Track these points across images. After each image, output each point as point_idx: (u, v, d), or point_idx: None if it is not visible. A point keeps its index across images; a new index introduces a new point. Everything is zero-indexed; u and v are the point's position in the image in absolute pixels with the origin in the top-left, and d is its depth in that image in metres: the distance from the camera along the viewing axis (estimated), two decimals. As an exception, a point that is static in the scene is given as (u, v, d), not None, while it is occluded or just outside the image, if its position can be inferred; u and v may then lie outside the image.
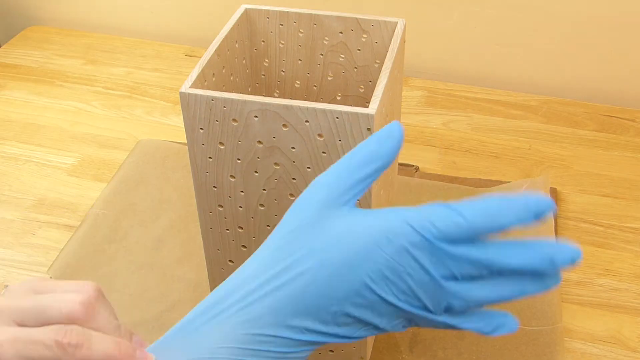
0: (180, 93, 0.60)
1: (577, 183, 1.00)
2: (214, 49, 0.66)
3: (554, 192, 0.96)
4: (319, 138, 0.59)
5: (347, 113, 0.57)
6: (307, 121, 0.58)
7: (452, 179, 1.00)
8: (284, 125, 0.59)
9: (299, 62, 0.75)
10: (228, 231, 0.68)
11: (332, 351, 0.74)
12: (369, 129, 0.57)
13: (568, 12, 1.13)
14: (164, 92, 1.19)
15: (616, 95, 1.17)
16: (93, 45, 1.32)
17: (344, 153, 0.59)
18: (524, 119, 1.12)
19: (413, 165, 1.02)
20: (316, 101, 0.58)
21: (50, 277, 0.86)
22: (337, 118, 0.57)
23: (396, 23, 0.69)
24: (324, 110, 0.57)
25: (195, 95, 0.59)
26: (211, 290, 0.72)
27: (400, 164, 1.01)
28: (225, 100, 0.59)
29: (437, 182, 0.98)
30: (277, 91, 0.78)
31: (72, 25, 1.40)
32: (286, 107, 0.58)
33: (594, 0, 1.10)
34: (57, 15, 1.41)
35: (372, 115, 0.56)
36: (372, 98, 0.58)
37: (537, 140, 1.08)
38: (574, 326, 0.80)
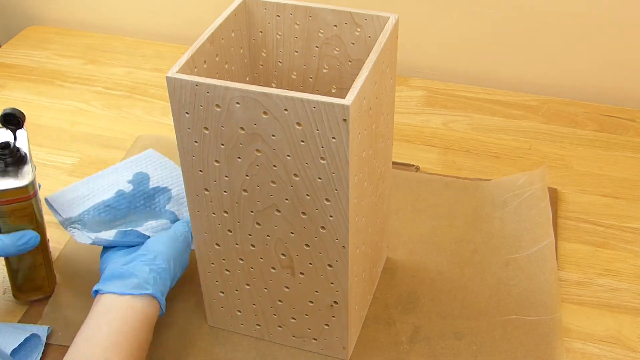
0: (167, 77, 0.62)
1: (577, 183, 1.00)
2: (206, 37, 0.67)
3: (554, 192, 0.97)
4: (297, 127, 0.60)
5: (323, 103, 0.57)
6: (285, 110, 0.59)
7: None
8: (264, 113, 0.60)
9: (295, 53, 0.76)
10: (214, 215, 0.69)
11: (316, 339, 0.76)
12: (344, 120, 0.58)
13: (568, 12, 1.13)
14: (164, 92, 1.19)
15: (616, 95, 1.17)
16: (93, 45, 1.32)
17: (321, 142, 0.59)
18: (524, 119, 1.12)
19: (413, 165, 1.02)
20: (312, 93, 0.59)
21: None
22: (314, 108, 0.58)
23: (388, 18, 0.70)
24: (301, 100, 0.58)
25: (181, 80, 0.61)
26: (200, 277, 0.75)
27: (400, 164, 1.01)
28: (208, 85, 0.60)
29: (436, 175, 0.99)
30: (275, 82, 0.79)
31: (72, 25, 1.40)
32: (265, 94, 0.59)
33: (594, 0, 1.11)
34: (57, 15, 1.41)
35: (347, 106, 0.57)
36: (350, 89, 0.59)
37: (537, 140, 1.08)
38: (574, 326, 0.80)
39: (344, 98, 0.58)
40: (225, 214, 0.69)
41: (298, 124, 0.59)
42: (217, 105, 0.61)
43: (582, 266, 0.88)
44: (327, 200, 0.63)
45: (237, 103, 0.60)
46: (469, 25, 1.18)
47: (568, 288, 0.85)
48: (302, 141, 0.60)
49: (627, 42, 1.13)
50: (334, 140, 0.59)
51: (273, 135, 0.61)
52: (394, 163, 1.01)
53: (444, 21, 1.19)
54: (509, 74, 1.21)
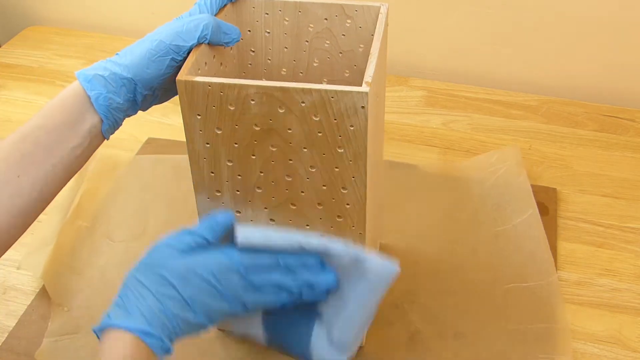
0: (177, 80, 0.61)
1: (577, 183, 1.00)
2: None
3: (553, 192, 0.97)
4: (314, 118, 0.59)
5: (342, 92, 0.57)
6: (302, 102, 0.59)
7: (452, 179, 1.00)
8: (280, 107, 0.59)
9: (285, 49, 0.76)
10: None
11: None
12: (363, 107, 0.58)
13: (567, 12, 1.13)
14: (164, 92, 1.19)
15: (616, 95, 1.17)
16: (93, 45, 1.32)
17: (339, 132, 0.59)
18: (524, 119, 1.12)
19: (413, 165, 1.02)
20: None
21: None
22: (332, 97, 0.58)
23: (379, 7, 0.70)
24: (319, 91, 0.58)
25: (193, 82, 0.60)
26: None
27: (400, 164, 1.01)
28: (222, 85, 0.59)
29: (436, 175, 0.99)
30: (265, 79, 0.78)
31: (72, 25, 1.40)
32: (282, 89, 0.58)
33: (594, 0, 1.11)
34: (57, 15, 1.41)
35: (365, 93, 0.57)
36: (365, 77, 0.59)
37: (537, 140, 1.08)
38: (574, 326, 0.80)
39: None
40: (238, 214, 0.68)
41: (315, 115, 0.59)
42: (231, 105, 0.60)
43: (582, 266, 0.88)
44: (343, 188, 0.63)
45: (252, 100, 0.59)
46: (469, 25, 1.18)
47: (568, 288, 0.85)
48: (320, 132, 0.60)
49: (627, 43, 1.13)
50: (351, 128, 0.59)
51: (289, 129, 0.60)
52: (394, 163, 1.02)
53: (444, 21, 1.19)
54: (509, 74, 1.21)
